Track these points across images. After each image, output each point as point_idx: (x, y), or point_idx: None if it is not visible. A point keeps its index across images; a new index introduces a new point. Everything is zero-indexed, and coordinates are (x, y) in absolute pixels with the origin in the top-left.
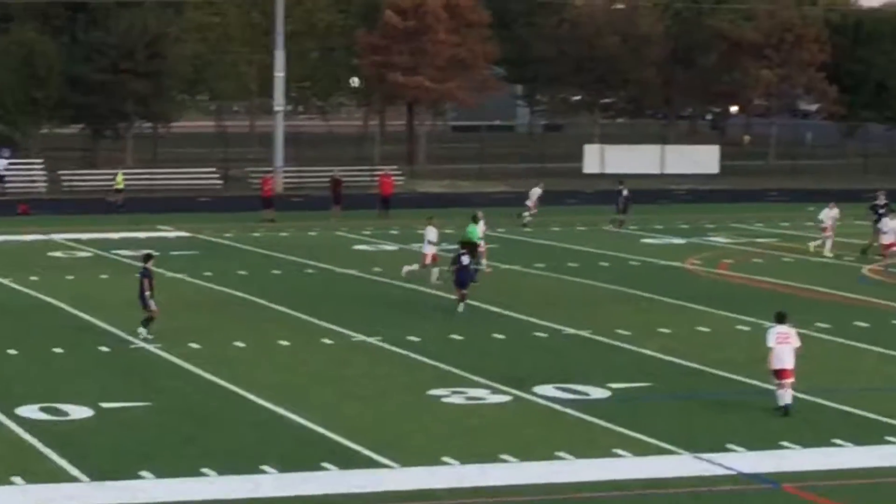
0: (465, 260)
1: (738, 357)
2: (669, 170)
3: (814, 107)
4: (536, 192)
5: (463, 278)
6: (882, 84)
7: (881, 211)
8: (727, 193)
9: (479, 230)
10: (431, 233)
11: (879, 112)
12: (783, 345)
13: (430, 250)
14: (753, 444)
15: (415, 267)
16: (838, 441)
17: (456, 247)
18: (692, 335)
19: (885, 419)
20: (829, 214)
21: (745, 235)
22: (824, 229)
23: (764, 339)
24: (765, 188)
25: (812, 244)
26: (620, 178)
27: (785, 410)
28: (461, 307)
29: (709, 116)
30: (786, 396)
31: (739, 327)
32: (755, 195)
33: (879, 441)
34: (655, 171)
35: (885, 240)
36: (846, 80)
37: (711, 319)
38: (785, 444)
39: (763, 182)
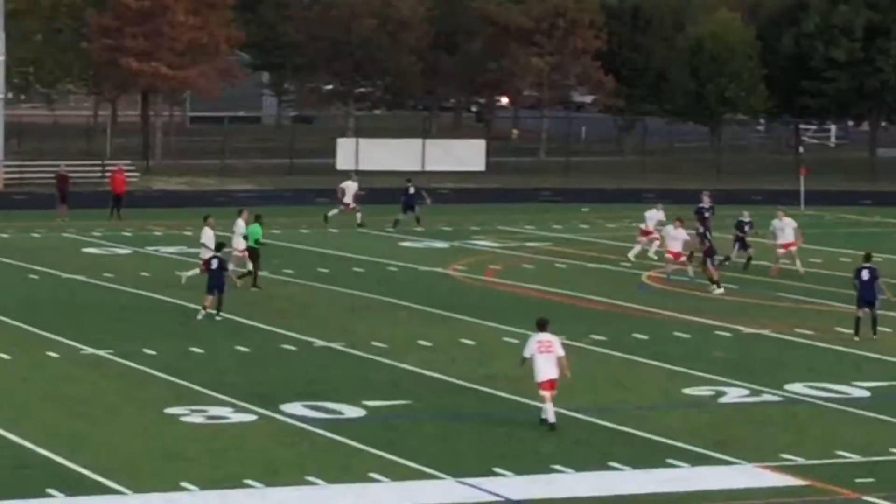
0: (216, 264)
1: (505, 372)
2: (431, 166)
3: (588, 98)
4: (352, 186)
5: (216, 283)
6: (662, 74)
7: (706, 214)
8: (494, 192)
9: (240, 228)
10: (207, 235)
11: (659, 105)
12: (544, 354)
13: (207, 254)
14: (522, 468)
15: (195, 272)
16: (614, 464)
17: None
18: (455, 348)
19: (664, 440)
20: (654, 216)
21: (515, 239)
22: (646, 233)
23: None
24: (536, 187)
25: (650, 251)
26: (408, 177)
27: (551, 426)
28: (202, 314)
29: (474, 108)
30: (548, 411)
31: (507, 339)
32: (525, 195)
33: (659, 464)
34: (416, 167)
35: (673, 247)
36: (623, 70)
37: (477, 331)
38: (556, 467)
39: (534, 180)
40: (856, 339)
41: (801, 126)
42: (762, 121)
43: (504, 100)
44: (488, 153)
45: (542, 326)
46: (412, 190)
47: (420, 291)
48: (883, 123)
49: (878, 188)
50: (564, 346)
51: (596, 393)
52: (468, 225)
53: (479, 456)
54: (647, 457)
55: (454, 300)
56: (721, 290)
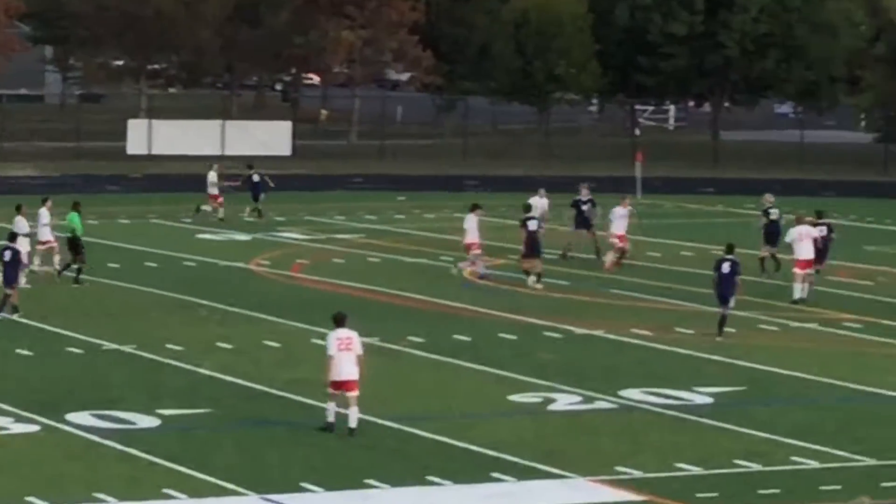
0: (8, 255)
1: (313, 377)
2: (231, 150)
3: (405, 76)
4: (213, 175)
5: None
6: (485, 50)
7: (584, 207)
8: (302, 179)
9: (44, 218)
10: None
11: (482, 83)
12: (345, 352)
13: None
14: (333, 483)
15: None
16: (434, 478)
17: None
18: (259, 351)
19: (489, 451)
20: (540, 205)
21: (324, 230)
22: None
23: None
24: (347, 173)
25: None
26: (249, 163)
27: (350, 432)
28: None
29: (279, 86)
30: (351, 418)
31: (315, 341)
32: (335, 181)
33: (483, 478)
34: (215, 151)
35: (469, 238)
36: (443, 45)
37: (282, 332)
38: (371, 481)
39: (344, 166)
40: (718, 339)
41: (638, 107)
42: (595, 101)
43: (313, 77)
44: (294, 136)
45: (339, 322)
46: (256, 178)
47: (220, 288)
48: (726, 104)
49: (721, 175)
50: (378, 348)
51: (414, 400)
52: (272, 215)
53: (285, 469)
54: (471, 470)
55: (257, 298)
56: (537, 284)
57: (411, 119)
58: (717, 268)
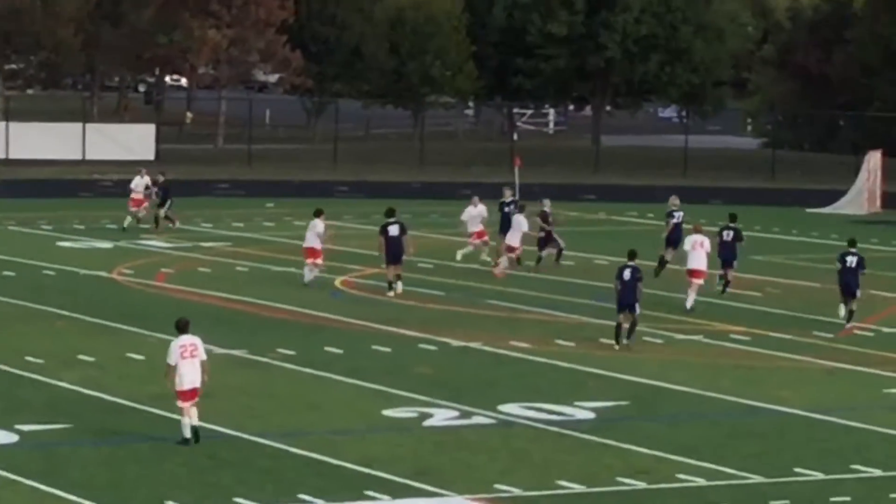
0: None
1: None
2: (93, 155)
3: (273, 78)
4: (141, 182)
5: None
6: (357, 50)
7: (507, 210)
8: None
9: None
10: None
11: (354, 85)
12: (188, 359)
13: None
14: (199, 501)
15: None
16: (305, 496)
17: None
18: (122, 364)
19: (362, 468)
20: (472, 213)
21: (189, 239)
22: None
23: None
24: (213, 179)
25: (461, 252)
26: (162, 170)
27: (194, 438)
28: None
29: (142, 88)
30: (186, 426)
31: None
32: (201, 188)
33: (357, 496)
34: (76, 155)
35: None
36: (313, 45)
37: (146, 344)
38: (238, 500)
39: (211, 171)
40: (616, 347)
41: (516, 110)
42: (471, 104)
43: (177, 79)
44: (158, 140)
45: (182, 328)
46: (161, 179)
47: (81, 298)
48: (607, 108)
49: (603, 181)
50: (247, 361)
51: (284, 415)
52: (136, 222)
53: (149, 488)
54: (343, 488)
55: (120, 309)
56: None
57: (280, 122)
58: (619, 275)
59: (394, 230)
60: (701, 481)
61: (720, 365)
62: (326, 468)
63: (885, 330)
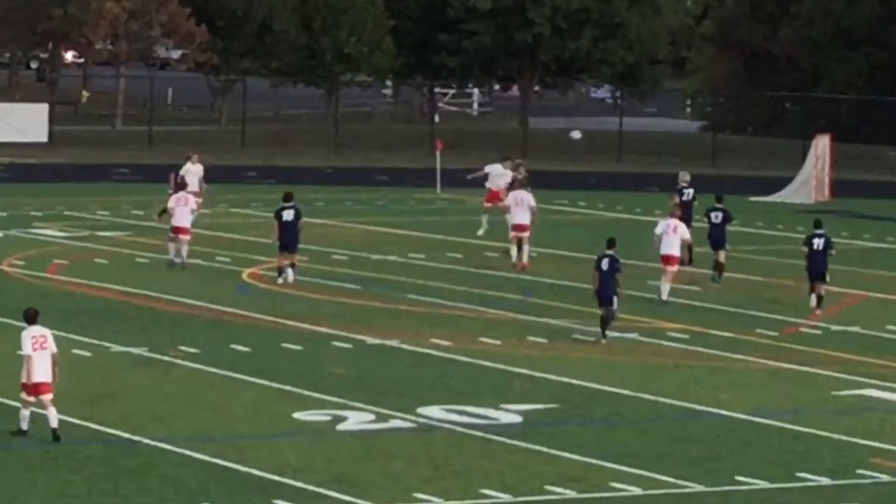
0: None
1: (72, 392)
2: None
3: (176, 54)
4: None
5: None
6: (266, 26)
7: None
8: (60, 169)
9: None
10: None
11: (263, 63)
12: (39, 351)
13: None
14: None
15: None
16: None
17: None
18: (11, 363)
19: (271, 475)
20: (500, 170)
21: (86, 227)
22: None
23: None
24: (111, 163)
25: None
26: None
27: (54, 439)
28: None
29: (34, 64)
30: (51, 419)
31: (77, 352)
32: (98, 172)
33: None
34: None
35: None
36: (219, 19)
37: None
38: None
39: (109, 154)
40: (602, 341)
41: (437, 90)
42: (389, 83)
43: (73, 54)
44: (52, 120)
45: (31, 319)
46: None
47: None
48: (536, 88)
49: (531, 166)
50: (146, 359)
51: (186, 418)
52: (27, 209)
53: (40, 498)
54: (250, 496)
55: (9, 303)
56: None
57: (184, 102)
58: (598, 265)
59: (288, 215)
60: (636, 490)
61: (657, 365)
62: (233, 475)
63: (834, 328)
